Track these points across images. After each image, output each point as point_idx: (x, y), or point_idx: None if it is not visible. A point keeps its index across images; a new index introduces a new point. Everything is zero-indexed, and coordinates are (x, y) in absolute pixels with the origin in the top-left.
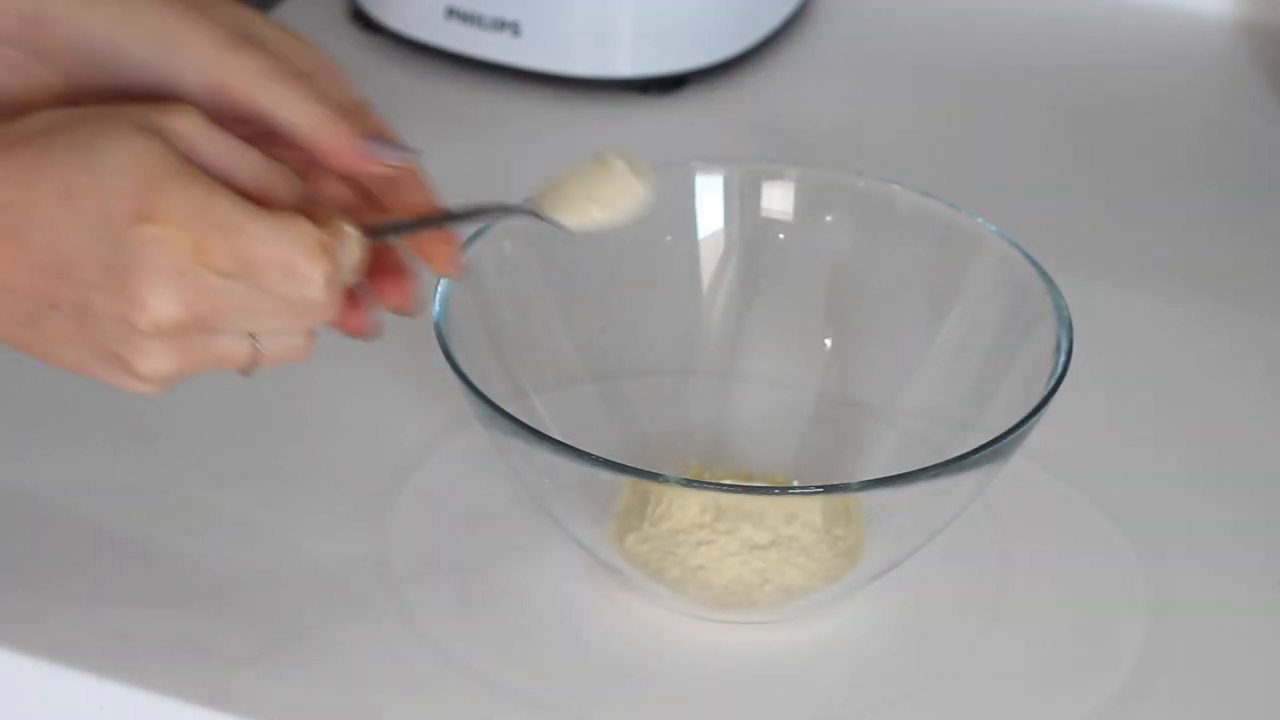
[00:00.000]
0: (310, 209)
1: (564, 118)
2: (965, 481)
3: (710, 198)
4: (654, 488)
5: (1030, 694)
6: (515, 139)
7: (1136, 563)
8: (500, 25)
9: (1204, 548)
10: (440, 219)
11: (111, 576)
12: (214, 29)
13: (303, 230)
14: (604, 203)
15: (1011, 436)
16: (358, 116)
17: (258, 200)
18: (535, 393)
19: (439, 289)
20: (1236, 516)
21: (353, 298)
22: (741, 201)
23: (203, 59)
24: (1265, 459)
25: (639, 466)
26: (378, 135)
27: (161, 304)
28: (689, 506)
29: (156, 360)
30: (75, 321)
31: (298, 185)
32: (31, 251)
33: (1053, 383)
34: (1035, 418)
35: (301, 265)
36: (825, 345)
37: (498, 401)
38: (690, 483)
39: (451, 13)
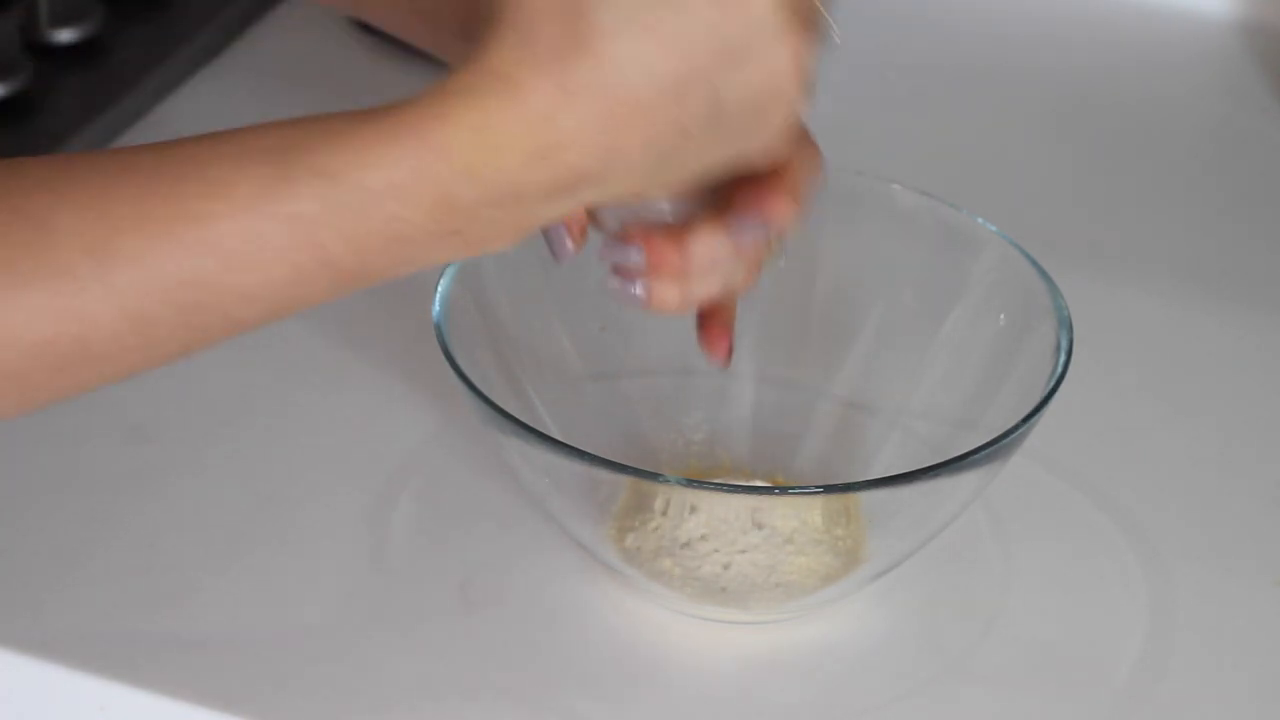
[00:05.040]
0: None
1: None
2: (965, 481)
3: None
4: (654, 488)
5: (1030, 694)
6: None
7: (1136, 563)
8: None
9: (1204, 548)
10: None
11: (111, 576)
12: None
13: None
14: None
15: (1011, 436)
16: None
17: None
18: (535, 393)
19: (439, 289)
20: (1236, 516)
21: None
22: None
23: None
24: (1265, 459)
25: (639, 466)
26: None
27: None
28: (689, 507)
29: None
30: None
31: None
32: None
33: (1053, 383)
34: (1035, 418)
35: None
36: (825, 345)
37: (498, 401)
38: (690, 483)
39: None
